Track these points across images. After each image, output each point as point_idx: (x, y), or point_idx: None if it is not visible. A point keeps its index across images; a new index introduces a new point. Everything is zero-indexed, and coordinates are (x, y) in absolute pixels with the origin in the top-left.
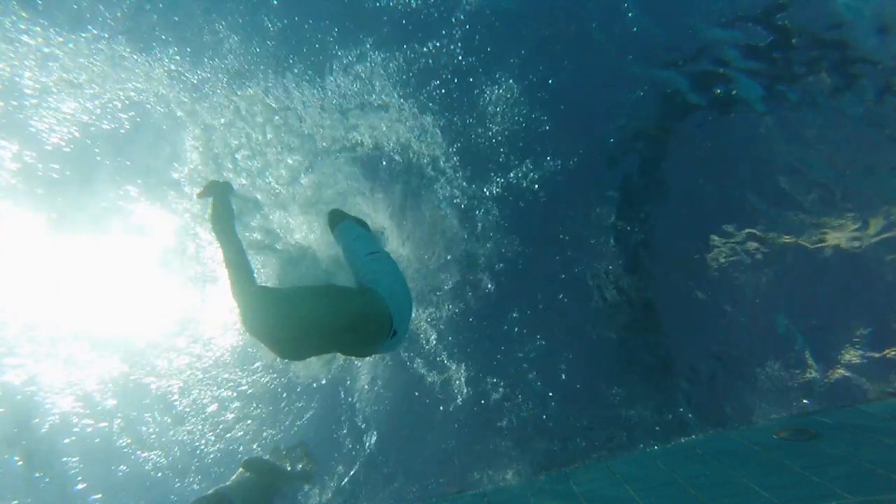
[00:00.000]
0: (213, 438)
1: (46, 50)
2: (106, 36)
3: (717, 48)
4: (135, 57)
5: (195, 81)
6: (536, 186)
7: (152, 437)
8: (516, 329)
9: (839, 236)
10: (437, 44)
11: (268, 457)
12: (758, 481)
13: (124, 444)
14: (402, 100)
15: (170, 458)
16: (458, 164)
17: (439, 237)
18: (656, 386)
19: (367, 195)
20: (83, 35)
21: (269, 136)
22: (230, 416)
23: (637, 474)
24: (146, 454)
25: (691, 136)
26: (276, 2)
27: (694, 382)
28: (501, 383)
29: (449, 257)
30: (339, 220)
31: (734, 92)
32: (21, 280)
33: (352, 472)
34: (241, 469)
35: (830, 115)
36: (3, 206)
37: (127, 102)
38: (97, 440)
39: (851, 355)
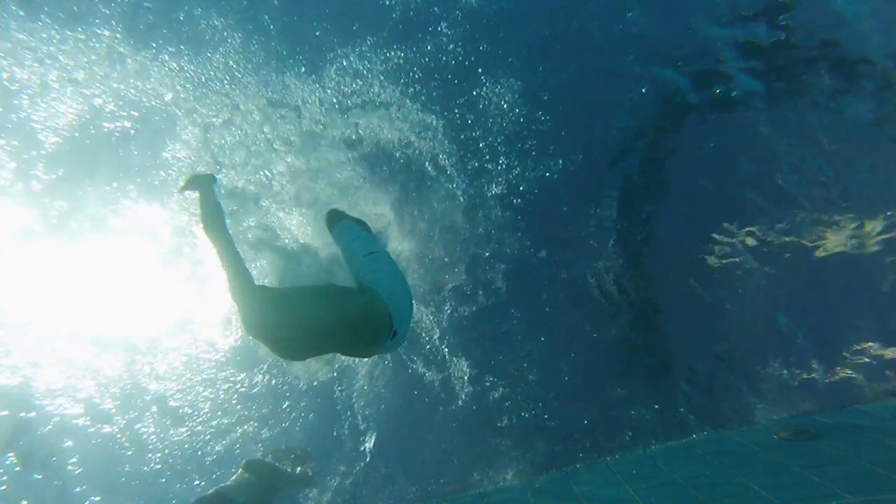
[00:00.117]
0: (213, 439)
1: (45, 49)
2: (106, 34)
3: (718, 47)
4: (135, 55)
5: (195, 79)
6: (537, 186)
7: (152, 437)
8: (517, 328)
9: (839, 236)
10: (437, 43)
11: (269, 458)
12: (758, 481)
13: (124, 444)
14: (402, 98)
15: (170, 458)
16: (458, 163)
17: (440, 237)
18: (657, 386)
19: (367, 195)
20: (81, 32)
21: (268, 133)
22: (230, 416)
23: (637, 474)
24: (146, 455)
25: (692, 135)
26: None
27: (694, 382)
28: (501, 383)
29: (449, 258)
30: (337, 220)
31: (734, 91)
32: (21, 280)
33: (352, 473)
34: (241, 469)
35: (830, 114)
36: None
37: (126, 101)
38: (98, 440)
39: (852, 355)
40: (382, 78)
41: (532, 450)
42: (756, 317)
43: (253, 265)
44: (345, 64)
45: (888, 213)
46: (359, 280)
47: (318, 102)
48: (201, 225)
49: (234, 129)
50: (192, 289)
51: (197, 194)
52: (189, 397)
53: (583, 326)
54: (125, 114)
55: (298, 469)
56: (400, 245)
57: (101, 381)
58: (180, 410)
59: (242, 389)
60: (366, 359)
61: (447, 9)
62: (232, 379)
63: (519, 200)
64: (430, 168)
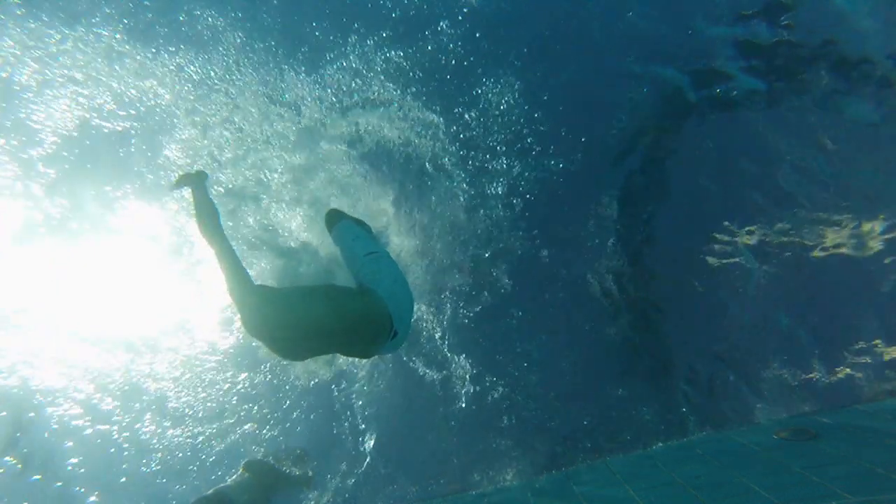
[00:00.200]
0: (213, 439)
1: (44, 48)
2: (104, 33)
3: (719, 46)
4: (135, 54)
5: (194, 78)
6: (537, 186)
7: (152, 438)
8: (517, 328)
9: (840, 235)
10: (438, 43)
11: (269, 458)
12: (758, 481)
13: (124, 445)
14: (402, 97)
15: (170, 459)
16: (458, 162)
17: (440, 237)
18: (657, 386)
19: (367, 194)
20: (81, 32)
21: (268, 130)
22: (230, 416)
23: (637, 474)
24: (146, 455)
25: (692, 135)
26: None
27: (694, 382)
28: (501, 383)
29: (449, 258)
30: (336, 220)
31: (735, 91)
32: (21, 280)
33: (352, 473)
34: (241, 469)
35: (831, 114)
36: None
37: (126, 101)
38: (98, 441)
39: (851, 355)
40: (382, 77)
41: (532, 450)
42: (756, 316)
43: (253, 265)
44: (345, 63)
45: (888, 213)
46: (359, 280)
47: (317, 101)
48: (196, 225)
49: (233, 127)
50: (192, 288)
51: (189, 192)
52: (189, 397)
53: (583, 326)
54: (124, 113)
55: (298, 470)
56: (400, 245)
57: (101, 381)
58: (180, 411)
59: (243, 390)
60: (366, 359)
61: (447, 8)
62: (232, 379)
63: (519, 200)
64: (429, 168)
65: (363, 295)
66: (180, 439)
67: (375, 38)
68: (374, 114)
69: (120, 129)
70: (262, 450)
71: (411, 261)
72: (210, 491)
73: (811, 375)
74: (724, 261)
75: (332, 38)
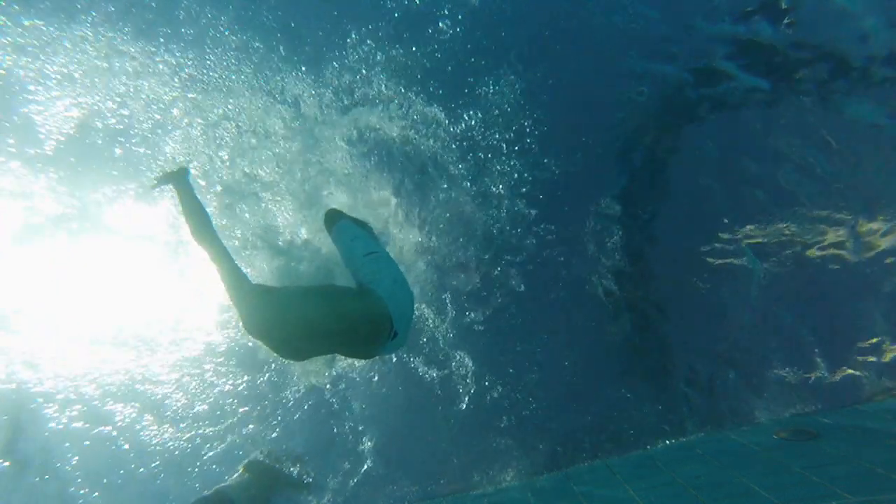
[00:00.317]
0: (213, 440)
1: (41, 44)
2: (103, 31)
3: (719, 45)
4: (134, 54)
5: (194, 76)
6: (537, 186)
7: (152, 438)
8: (517, 328)
9: (841, 234)
10: (438, 42)
11: (268, 459)
12: (758, 481)
13: (123, 445)
14: (404, 96)
15: (169, 459)
16: (459, 162)
17: (440, 237)
18: (657, 386)
19: (367, 194)
20: (81, 31)
21: (268, 128)
22: (230, 417)
23: (637, 474)
24: (146, 455)
25: (693, 134)
26: None
27: (694, 382)
28: (501, 382)
29: (449, 258)
30: (336, 220)
31: (735, 89)
32: (20, 280)
33: (352, 473)
34: (241, 470)
35: (831, 113)
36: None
37: (125, 100)
38: (97, 441)
39: (852, 355)
40: (383, 77)
41: (532, 450)
42: (757, 316)
43: (252, 265)
44: (346, 62)
45: (889, 213)
46: (358, 280)
47: (317, 98)
48: (187, 228)
49: (232, 125)
50: (192, 288)
51: (173, 189)
52: (189, 398)
53: (583, 326)
54: (124, 112)
55: (296, 471)
56: (400, 245)
57: (101, 381)
58: (180, 411)
59: (243, 390)
60: (367, 360)
61: (447, 7)
62: (232, 379)
63: (519, 200)
64: (429, 167)
65: (363, 295)
66: (181, 439)
67: (374, 37)
68: (372, 112)
69: (120, 128)
70: (262, 451)
71: (411, 261)
72: (210, 491)
73: (811, 375)
74: (725, 260)
75: (332, 38)
